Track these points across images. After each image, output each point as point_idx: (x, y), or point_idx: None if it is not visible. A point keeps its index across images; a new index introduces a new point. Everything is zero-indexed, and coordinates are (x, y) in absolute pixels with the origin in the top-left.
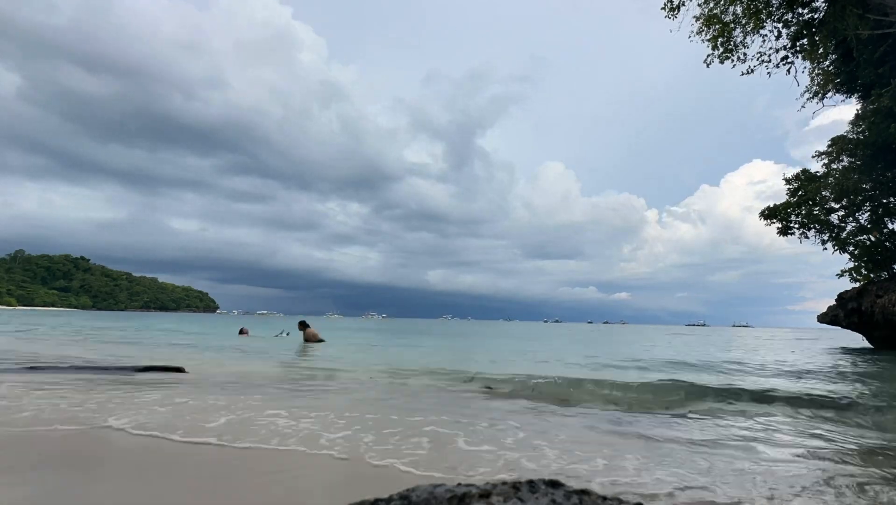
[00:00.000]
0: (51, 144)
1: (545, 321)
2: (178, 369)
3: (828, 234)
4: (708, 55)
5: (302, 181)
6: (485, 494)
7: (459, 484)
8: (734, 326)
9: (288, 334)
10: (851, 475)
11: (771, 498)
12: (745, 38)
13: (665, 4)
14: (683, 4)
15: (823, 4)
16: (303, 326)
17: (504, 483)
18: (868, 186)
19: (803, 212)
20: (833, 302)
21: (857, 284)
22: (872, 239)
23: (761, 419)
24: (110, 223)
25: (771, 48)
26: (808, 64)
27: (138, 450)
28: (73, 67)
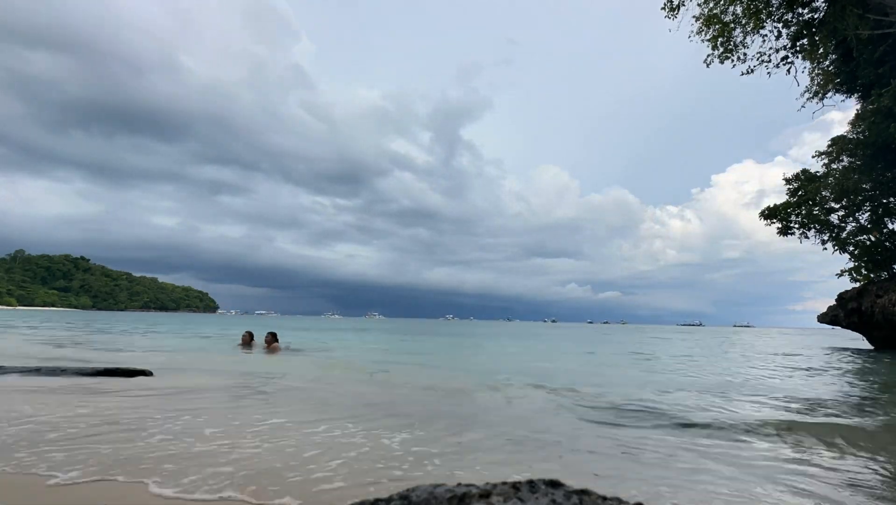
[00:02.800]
0: (4, 132)
1: (544, 321)
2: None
3: (828, 235)
4: (708, 55)
5: (289, 175)
6: (485, 494)
7: (459, 484)
8: (735, 326)
9: None
10: None
11: None
12: (745, 38)
13: (665, 4)
14: (683, 4)
15: (823, 4)
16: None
17: (504, 483)
18: (868, 186)
19: (803, 212)
20: (834, 302)
21: (858, 284)
22: (872, 239)
23: None
24: (83, 219)
25: (771, 48)
26: (808, 64)
27: None
28: (15, 45)
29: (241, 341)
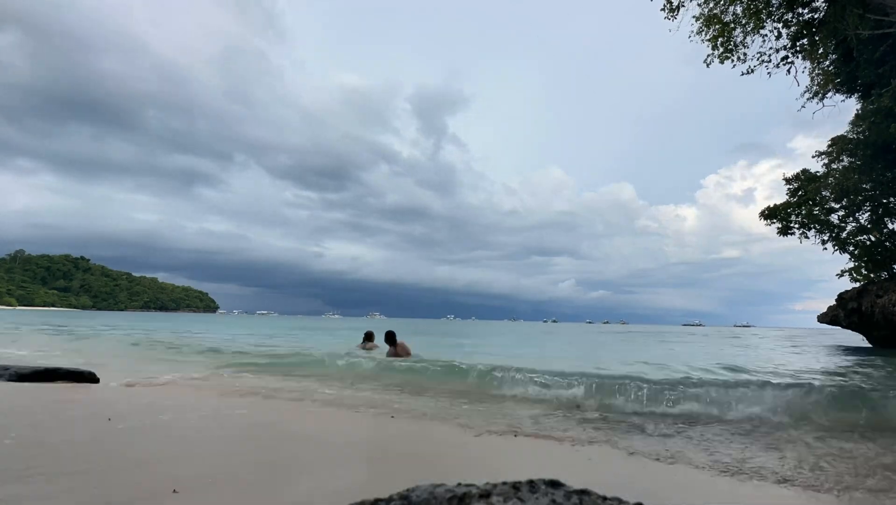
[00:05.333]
0: None
1: (544, 321)
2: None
3: (828, 234)
4: (708, 55)
5: (274, 169)
6: (485, 494)
7: (460, 484)
8: (735, 326)
9: None
10: None
11: None
12: (745, 38)
13: (665, 5)
14: (683, 5)
15: (823, 4)
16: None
17: (504, 483)
18: (868, 186)
19: (803, 212)
20: (834, 302)
21: (858, 284)
22: (872, 239)
23: None
24: (54, 214)
25: (771, 48)
26: (808, 64)
27: None
28: None
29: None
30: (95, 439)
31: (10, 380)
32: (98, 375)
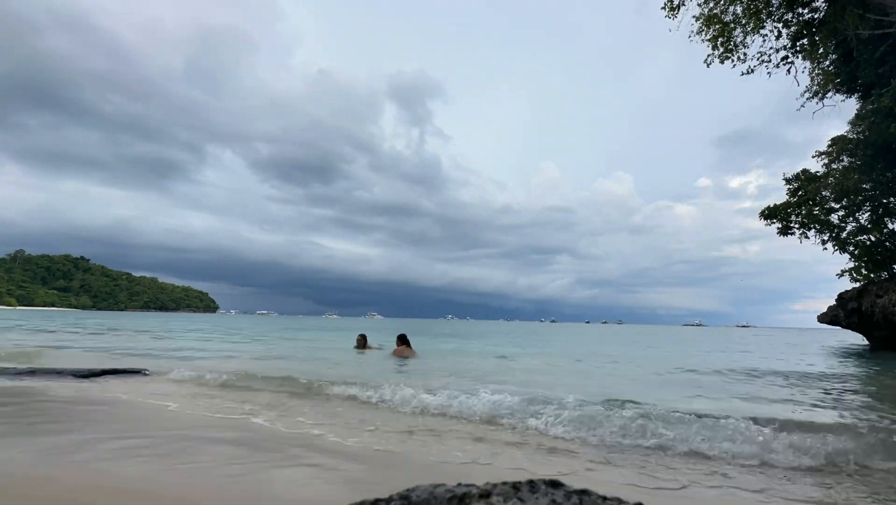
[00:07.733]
0: None
1: (541, 321)
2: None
3: (828, 235)
4: (708, 55)
5: (264, 165)
6: (485, 494)
7: (460, 484)
8: (736, 326)
9: None
10: None
11: None
12: (745, 38)
13: (665, 4)
14: (683, 4)
15: (823, 4)
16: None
17: (504, 483)
18: (868, 186)
19: (803, 212)
20: (834, 302)
21: (858, 284)
22: (872, 239)
23: None
24: (22, 209)
25: (771, 48)
26: (808, 64)
27: None
28: None
29: (356, 344)
30: None
31: None
32: None
